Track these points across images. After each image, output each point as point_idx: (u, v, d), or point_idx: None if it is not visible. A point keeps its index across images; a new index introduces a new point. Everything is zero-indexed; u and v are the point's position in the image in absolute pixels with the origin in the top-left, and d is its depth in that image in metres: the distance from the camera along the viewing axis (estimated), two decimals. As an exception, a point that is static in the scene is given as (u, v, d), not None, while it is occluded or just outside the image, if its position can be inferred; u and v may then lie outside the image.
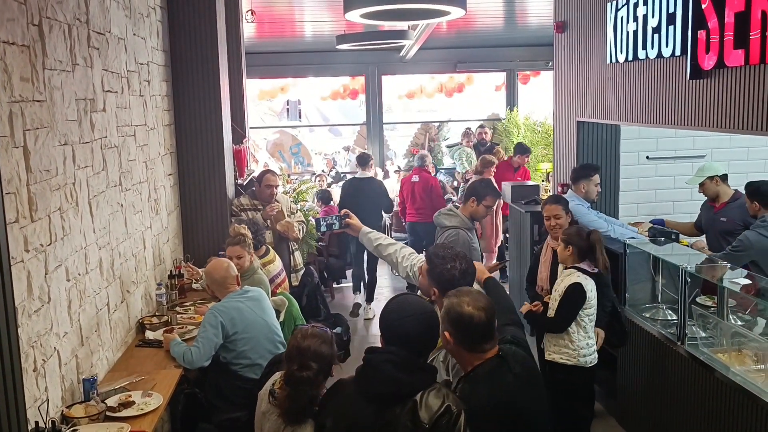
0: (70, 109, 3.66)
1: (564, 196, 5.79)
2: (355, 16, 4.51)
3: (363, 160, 8.75)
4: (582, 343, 4.34)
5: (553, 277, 5.06)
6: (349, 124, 17.65)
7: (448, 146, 11.30)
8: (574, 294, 4.27)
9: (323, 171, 13.11)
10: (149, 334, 4.63)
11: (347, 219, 4.15)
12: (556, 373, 4.40)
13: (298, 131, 16.77)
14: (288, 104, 16.98)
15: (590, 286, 4.31)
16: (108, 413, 3.47)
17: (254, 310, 4.24)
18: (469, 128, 11.77)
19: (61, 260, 3.48)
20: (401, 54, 12.87)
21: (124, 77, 4.64)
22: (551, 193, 8.67)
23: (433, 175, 9.74)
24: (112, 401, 3.60)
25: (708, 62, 3.96)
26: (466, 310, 2.56)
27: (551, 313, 4.40)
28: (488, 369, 2.56)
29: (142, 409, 3.56)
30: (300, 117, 17.31)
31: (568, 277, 4.35)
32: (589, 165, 5.94)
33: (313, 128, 18.20)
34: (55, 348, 3.36)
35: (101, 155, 4.14)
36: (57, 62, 3.49)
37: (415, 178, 9.06)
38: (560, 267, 4.63)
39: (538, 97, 14.42)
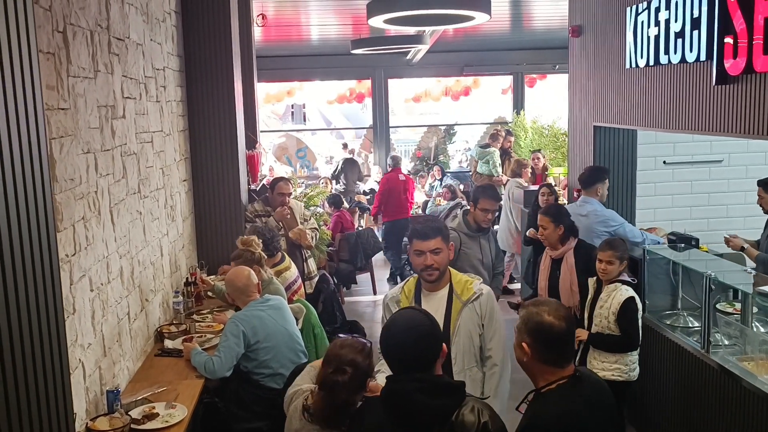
0: (93, 116, 3.61)
1: (581, 201, 5.77)
2: (378, 21, 4.47)
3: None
4: (634, 357, 4.38)
5: (552, 286, 5.10)
6: (356, 127, 17.61)
7: (481, 146, 11.24)
8: (632, 307, 4.35)
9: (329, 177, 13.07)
10: (168, 343, 4.57)
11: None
12: None
13: (302, 135, 16.76)
14: (293, 108, 16.97)
15: (637, 297, 4.43)
16: (132, 425, 3.42)
17: (276, 318, 4.19)
18: (497, 130, 11.72)
19: (85, 270, 3.43)
20: (408, 57, 12.85)
21: (142, 83, 4.59)
22: (563, 198, 8.67)
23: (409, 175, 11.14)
24: (136, 413, 3.55)
25: (736, 67, 3.91)
26: (547, 319, 2.45)
27: (601, 330, 4.41)
28: (564, 388, 2.45)
29: (166, 421, 3.51)
30: (304, 120, 17.32)
31: (615, 292, 4.38)
32: (601, 167, 5.92)
33: (315, 132, 18.20)
34: (79, 359, 3.31)
35: (121, 162, 4.09)
36: (80, 69, 3.45)
37: (402, 177, 9.91)
38: (591, 281, 4.65)
39: (545, 100, 14.40)
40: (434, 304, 3.35)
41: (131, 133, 4.31)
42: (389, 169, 10.37)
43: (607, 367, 4.37)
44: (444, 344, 2.52)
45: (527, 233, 6.54)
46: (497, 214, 5.38)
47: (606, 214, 5.64)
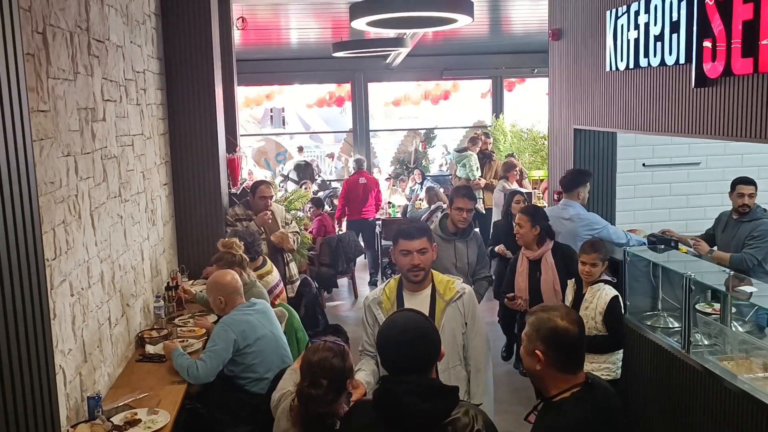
0: (73, 118, 3.57)
1: (563, 204, 5.80)
2: (361, 24, 4.47)
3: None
4: (620, 355, 4.44)
5: (532, 287, 5.09)
6: (336, 131, 17.60)
7: (458, 150, 11.26)
8: (617, 306, 4.41)
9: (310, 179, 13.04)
10: (149, 348, 4.52)
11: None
12: None
13: (282, 139, 16.71)
14: (272, 111, 16.92)
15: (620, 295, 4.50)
16: (114, 432, 3.38)
17: (263, 323, 4.16)
18: (477, 134, 11.76)
19: (66, 275, 3.39)
20: (388, 61, 12.88)
21: (122, 86, 4.55)
22: (543, 201, 8.72)
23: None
24: (117, 419, 3.50)
25: (714, 70, 3.96)
26: (561, 324, 2.41)
27: (588, 331, 4.36)
28: (578, 397, 2.40)
29: (149, 427, 3.46)
30: (284, 124, 17.28)
31: (601, 292, 4.43)
32: (583, 170, 5.95)
33: (294, 135, 18.16)
34: (60, 365, 3.26)
35: (102, 166, 4.05)
36: (60, 71, 3.41)
37: (363, 180, 10.15)
38: (570, 283, 4.68)
39: (524, 104, 14.50)
40: (417, 304, 3.34)
41: (112, 136, 4.27)
42: (353, 172, 10.70)
43: (597, 367, 4.40)
44: (442, 348, 2.51)
45: (495, 249, 6.55)
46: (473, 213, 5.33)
47: (589, 217, 5.68)
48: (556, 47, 6.47)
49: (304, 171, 12.69)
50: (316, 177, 13.32)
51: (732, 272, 4.64)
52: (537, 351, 2.40)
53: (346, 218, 10.37)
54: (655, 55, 4.60)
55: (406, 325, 2.49)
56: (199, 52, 6.01)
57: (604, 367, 4.41)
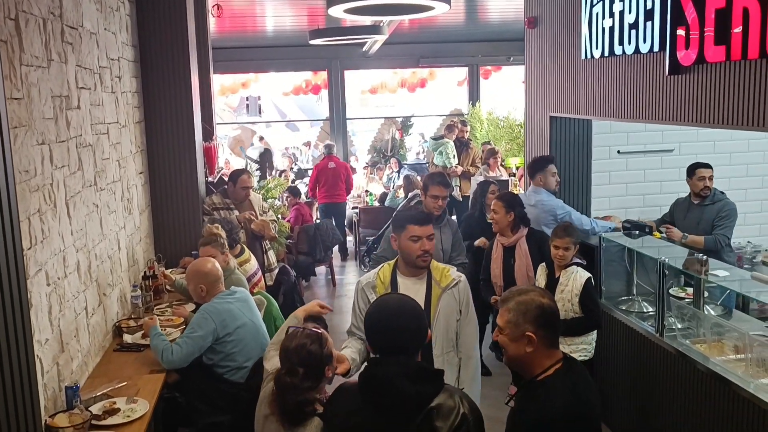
0: (47, 106, 3.52)
1: (531, 190, 5.87)
2: (339, 11, 4.45)
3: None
4: (594, 335, 4.54)
5: (506, 273, 5.13)
6: (313, 120, 17.54)
7: (434, 138, 11.27)
8: (592, 287, 4.48)
9: (287, 168, 13.03)
10: (127, 338, 4.50)
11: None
12: None
13: (257, 127, 16.60)
14: (248, 100, 16.80)
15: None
16: (93, 421, 3.36)
17: (243, 311, 4.15)
18: (453, 121, 11.77)
19: (41, 264, 3.35)
20: (364, 49, 12.84)
21: (96, 73, 4.49)
22: (520, 189, 8.78)
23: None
24: (96, 409, 3.48)
25: (687, 58, 4.01)
26: (545, 302, 2.47)
27: (564, 314, 4.43)
28: (564, 371, 2.45)
29: (128, 416, 3.45)
30: (260, 112, 17.17)
31: (575, 275, 4.49)
32: (542, 157, 6.00)
33: (270, 124, 18.06)
34: (37, 355, 3.23)
35: (77, 154, 4.00)
36: (33, 58, 3.36)
37: (332, 164, 10.49)
38: (541, 267, 4.72)
39: (500, 92, 14.55)
40: (413, 290, 3.38)
41: (87, 124, 4.22)
42: (322, 157, 11.02)
43: (575, 349, 4.46)
44: (429, 332, 2.56)
45: (475, 243, 6.41)
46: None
47: (552, 203, 5.70)
48: (532, 35, 6.49)
49: (263, 157, 12.94)
50: (276, 165, 13.50)
51: (704, 257, 4.72)
52: (528, 333, 2.43)
53: (317, 202, 10.65)
54: (629, 43, 4.63)
55: (398, 306, 2.53)
56: (175, 40, 5.94)
57: (582, 348, 4.49)
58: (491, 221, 5.19)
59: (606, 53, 4.99)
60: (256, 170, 11.66)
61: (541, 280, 4.76)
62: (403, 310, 2.51)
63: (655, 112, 4.52)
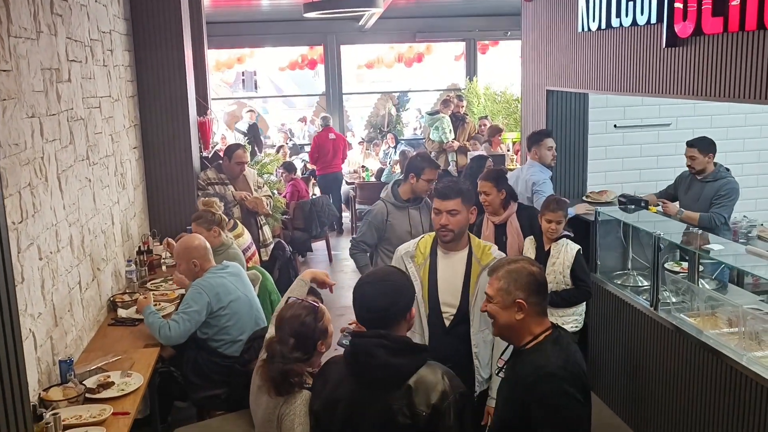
0: (36, 79, 3.48)
1: (527, 164, 5.84)
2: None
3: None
4: (584, 306, 4.54)
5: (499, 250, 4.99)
6: (308, 94, 17.42)
7: (429, 113, 11.21)
8: (582, 258, 4.48)
9: (284, 143, 12.96)
10: (121, 312, 4.50)
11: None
12: None
13: (253, 102, 16.48)
14: (243, 75, 16.66)
15: None
16: (87, 395, 3.37)
17: (237, 285, 4.15)
18: (449, 96, 11.68)
19: (33, 238, 3.34)
20: (360, 23, 12.72)
21: (87, 46, 4.44)
22: (516, 163, 8.75)
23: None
24: (90, 383, 3.49)
25: (685, 30, 3.97)
26: (533, 269, 2.51)
27: (556, 286, 4.42)
28: (554, 338, 2.49)
29: (122, 390, 3.46)
30: (256, 88, 17.04)
31: (566, 247, 4.48)
32: (539, 130, 5.95)
33: (267, 99, 17.93)
34: (30, 329, 3.24)
35: (68, 128, 3.97)
36: (22, 29, 3.31)
37: (332, 136, 10.82)
38: (530, 241, 4.67)
39: (498, 67, 14.45)
40: (451, 265, 3.41)
41: (78, 97, 4.18)
42: (321, 129, 11.18)
43: (567, 320, 4.47)
44: (413, 309, 2.54)
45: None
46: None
47: (536, 177, 5.63)
48: (529, 8, 6.43)
49: (250, 131, 13.00)
50: (265, 141, 13.48)
51: (700, 231, 4.72)
52: (518, 300, 2.47)
53: (316, 174, 10.86)
54: (626, 15, 4.58)
55: (381, 276, 2.54)
56: (168, 13, 5.88)
57: (573, 319, 4.51)
58: (482, 202, 5.02)
59: (603, 26, 4.94)
60: (247, 143, 11.61)
61: (530, 253, 4.70)
62: (384, 278, 2.52)
63: (651, 86, 4.49)
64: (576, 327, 4.50)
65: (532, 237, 4.74)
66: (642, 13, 4.40)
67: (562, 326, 4.35)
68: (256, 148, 12.13)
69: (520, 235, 4.85)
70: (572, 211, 5.66)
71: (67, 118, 3.96)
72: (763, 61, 3.47)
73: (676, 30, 4.06)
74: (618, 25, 4.72)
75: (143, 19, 5.83)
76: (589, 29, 5.18)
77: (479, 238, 5.06)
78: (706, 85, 3.92)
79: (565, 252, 4.49)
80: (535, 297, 2.49)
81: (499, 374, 2.63)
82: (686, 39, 4.02)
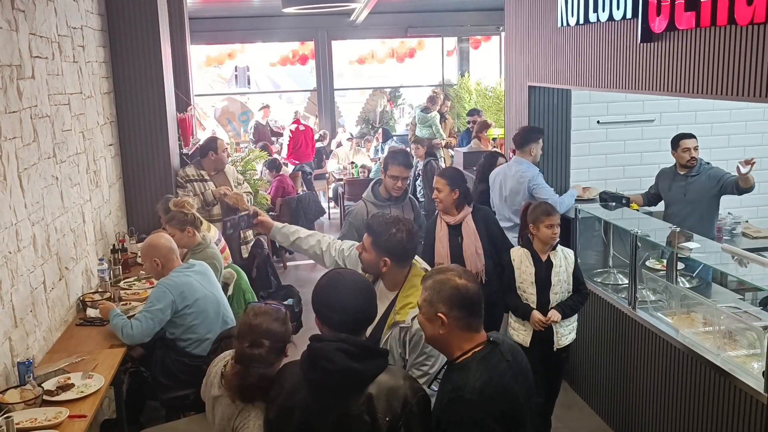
0: (-6, 76, 3.42)
1: (514, 161, 5.74)
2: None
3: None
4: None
5: (454, 253, 4.63)
6: (300, 90, 17.34)
7: (423, 110, 11.14)
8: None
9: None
10: (91, 312, 4.44)
11: (257, 218, 3.88)
12: (563, 353, 4.38)
13: (247, 98, 16.41)
14: (236, 71, 16.59)
15: None
16: (45, 397, 3.31)
17: (202, 283, 4.10)
18: (436, 92, 11.60)
19: (-11, 238, 3.28)
20: (351, 18, 12.64)
21: (54, 42, 4.37)
22: (505, 159, 8.65)
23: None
24: (49, 384, 3.43)
25: (659, 25, 3.91)
26: (460, 282, 2.33)
27: (561, 296, 4.24)
28: (483, 354, 2.31)
29: (82, 392, 3.40)
30: (249, 83, 16.96)
31: (565, 253, 4.29)
32: (535, 128, 5.87)
33: (258, 95, 17.84)
34: (-15, 331, 3.18)
35: (31, 125, 3.90)
36: (-24, 25, 3.25)
37: (302, 127, 11.63)
38: (523, 252, 4.32)
39: (489, 63, 14.39)
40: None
41: (43, 94, 4.11)
42: (294, 120, 11.98)
43: (572, 329, 4.33)
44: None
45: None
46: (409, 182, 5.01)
47: (531, 172, 5.55)
48: (512, 3, 6.36)
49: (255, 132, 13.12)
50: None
51: (678, 228, 4.65)
52: (439, 314, 2.32)
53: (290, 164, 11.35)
54: (603, 10, 4.52)
55: (357, 284, 2.48)
56: (143, 8, 5.80)
57: (573, 327, 4.34)
58: (435, 199, 4.74)
59: (581, 21, 4.88)
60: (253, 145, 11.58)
61: (525, 266, 4.30)
62: (352, 283, 2.47)
63: (628, 81, 4.43)
64: (574, 336, 4.38)
65: (524, 249, 4.35)
66: (618, 8, 4.33)
67: (568, 336, 4.31)
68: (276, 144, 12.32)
69: (476, 236, 4.60)
70: (575, 193, 5.63)
71: (31, 115, 3.89)
72: (734, 57, 3.41)
73: (650, 25, 3.99)
74: (595, 20, 4.66)
75: (118, 15, 5.75)
76: (568, 24, 5.11)
77: (433, 237, 4.76)
78: (680, 80, 3.86)
79: (565, 258, 4.27)
80: (459, 311, 2.32)
81: (431, 387, 2.55)
82: (660, 34, 3.96)
